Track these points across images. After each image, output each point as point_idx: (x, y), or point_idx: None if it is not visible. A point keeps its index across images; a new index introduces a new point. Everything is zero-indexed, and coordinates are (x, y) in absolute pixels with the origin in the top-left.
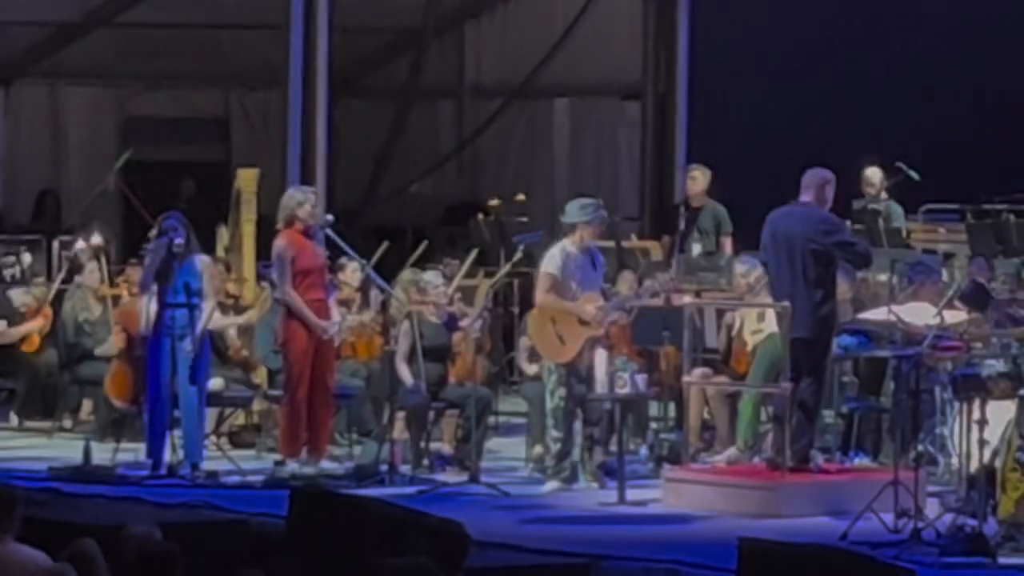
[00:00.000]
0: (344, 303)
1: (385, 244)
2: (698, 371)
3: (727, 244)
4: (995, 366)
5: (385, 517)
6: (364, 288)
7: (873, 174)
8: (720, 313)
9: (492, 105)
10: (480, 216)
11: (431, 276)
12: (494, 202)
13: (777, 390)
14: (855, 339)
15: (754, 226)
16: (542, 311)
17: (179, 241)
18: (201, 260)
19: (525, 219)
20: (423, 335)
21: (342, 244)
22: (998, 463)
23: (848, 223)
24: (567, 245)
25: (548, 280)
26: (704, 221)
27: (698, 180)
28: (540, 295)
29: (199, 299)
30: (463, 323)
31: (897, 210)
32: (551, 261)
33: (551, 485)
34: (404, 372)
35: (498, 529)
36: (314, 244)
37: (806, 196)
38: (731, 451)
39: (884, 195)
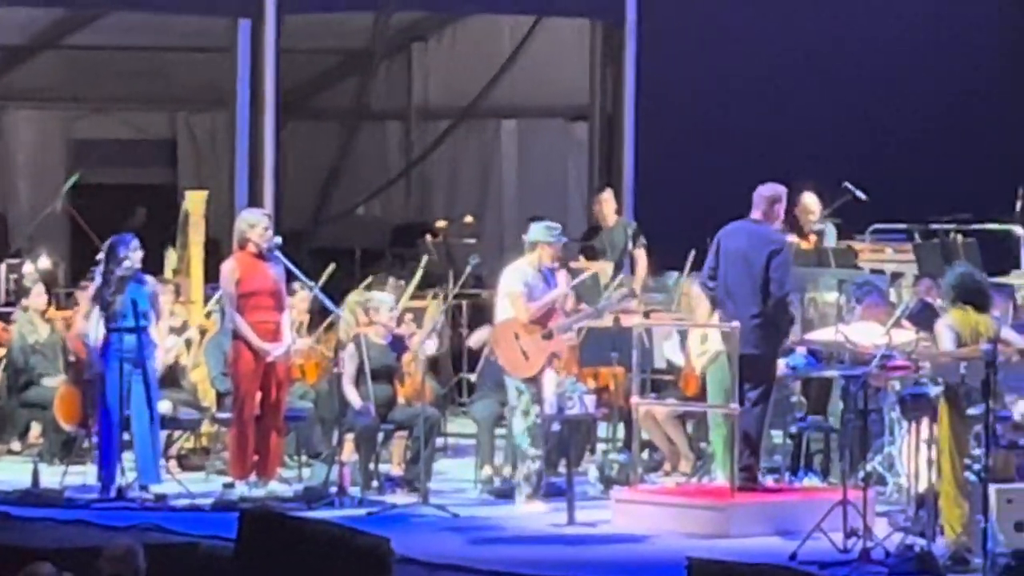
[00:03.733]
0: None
1: (332, 266)
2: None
3: (640, 257)
4: (941, 386)
5: (326, 538)
6: (313, 310)
7: (810, 200)
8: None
9: (440, 127)
10: (428, 237)
11: (383, 297)
12: (442, 224)
13: (727, 410)
14: (804, 359)
15: (699, 244)
16: (507, 326)
17: (127, 264)
18: (149, 282)
19: (473, 240)
20: (370, 356)
21: (290, 266)
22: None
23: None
24: (523, 264)
25: (519, 297)
26: (616, 237)
27: (608, 202)
28: (520, 309)
29: (147, 322)
30: (411, 343)
31: (830, 230)
32: (514, 279)
33: (528, 505)
34: (352, 394)
35: (448, 550)
36: (267, 266)
37: (756, 213)
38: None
39: (818, 221)
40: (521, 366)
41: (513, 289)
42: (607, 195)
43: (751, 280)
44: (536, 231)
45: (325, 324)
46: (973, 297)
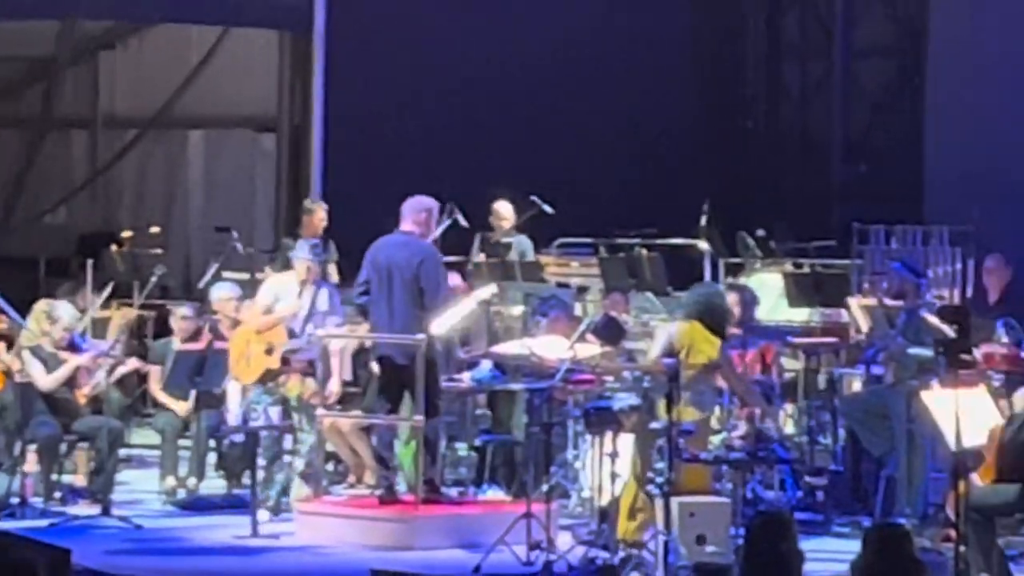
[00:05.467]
0: None
1: (110, 286)
2: None
3: (333, 271)
4: (627, 399)
5: (5, 549)
6: None
7: (503, 208)
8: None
9: (127, 135)
10: (113, 247)
11: (63, 307)
12: (127, 233)
13: (412, 422)
14: (489, 372)
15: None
16: (241, 332)
17: None
18: None
19: (159, 251)
20: (48, 367)
21: None
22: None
23: (482, 256)
24: (285, 278)
25: (256, 306)
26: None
27: (317, 212)
28: (252, 316)
29: None
30: (91, 353)
31: (524, 244)
32: (267, 289)
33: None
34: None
35: (130, 562)
36: None
37: (406, 225)
38: None
39: (511, 231)
40: (242, 371)
41: (259, 297)
42: (315, 205)
43: (406, 292)
44: (300, 248)
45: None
46: (710, 317)
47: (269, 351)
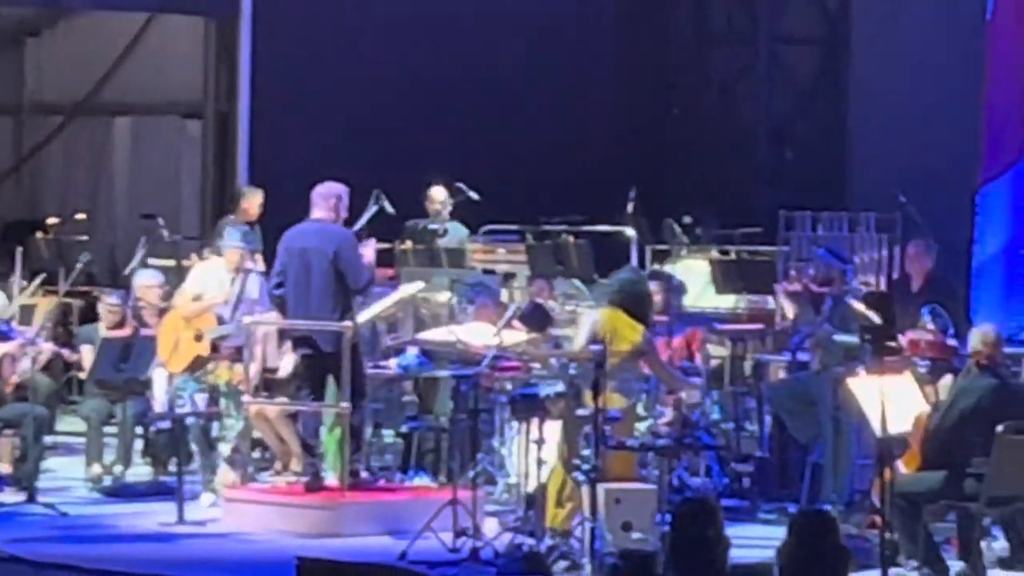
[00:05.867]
0: None
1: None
2: None
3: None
4: (553, 386)
5: None
6: None
7: (438, 192)
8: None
9: (53, 122)
10: (39, 234)
11: None
12: (53, 220)
13: (338, 409)
14: (415, 358)
15: None
16: (170, 319)
17: None
18: None
19: (85, 238)
20: None
21: None
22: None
23: (409, 243)
24: (216, 265)
25: (187, 293)
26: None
27: (254, 198)
28: (183, 303)
29: None
30: (19, 340)
31: (460, 231)
32: (198, 275)
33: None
34: None
35: (56, 549)
36: None
37: (319, 212)
38: None
39: (446, 216)
40: (172, 359)
41: (187, 285)
42: (248, 190)
43: (324, 278)
44: (229, 235)
45: None
46: (632, 304)
47: (199, 338)
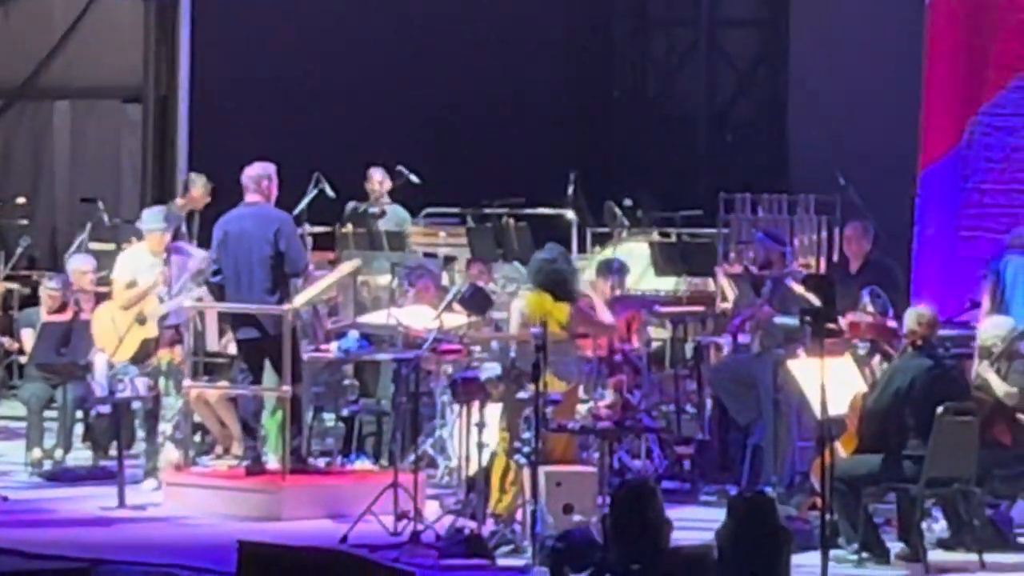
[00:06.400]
0: None
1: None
2: None
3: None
4: (494, 369)
5: None
6: None
7: (377, 173)
8: None
9: None
10: None
11: None
12: None
13: (279, 393)
14: (356, 342)
15: None
16: (104, 310)
17: None
18: None
19: (25, 222)
20: None
21: None
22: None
23: (349, 226)
24: (138, 250)
25: (119, 284)
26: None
27: (198, 185)
28: (117, 294)
29: None
30: None
31: (401, 213)
32: (123, 264)
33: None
34: None
35: None
36: None
37: (252, 196)
38: None
39: (386, 199)
40: (115, 350)
41: (117, 275)
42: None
43: (262, 262)
44: (148, 219)
45: None
46: (553, 284)
47: (142, 321)
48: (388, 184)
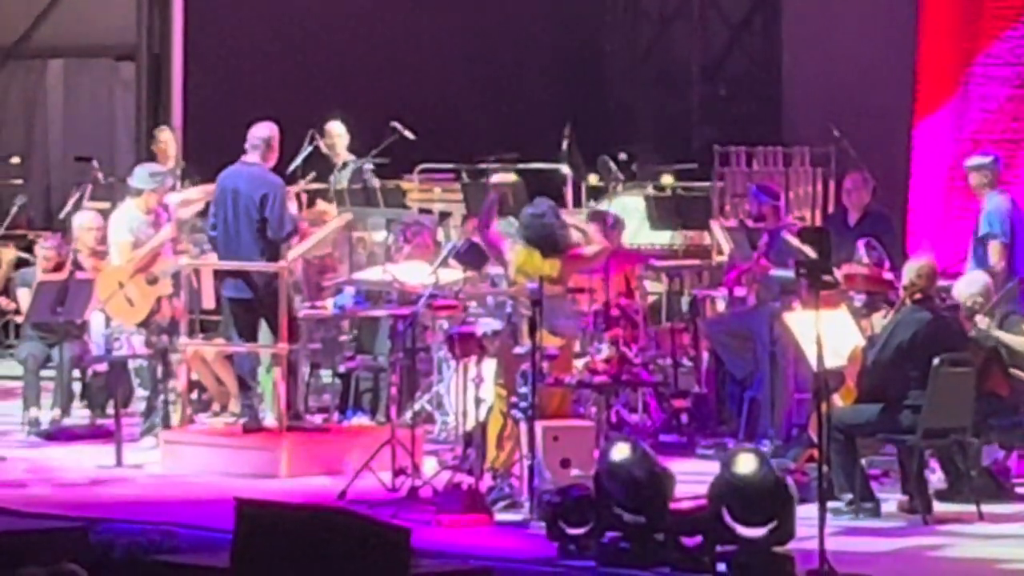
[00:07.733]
0: None
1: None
2: None
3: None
4: (491, 324)
5: None
6: None
7: (335, 127)
8: None
9: None
10: None
11: None
12: None
13: (276, 350)
14: (352, 298)
15: None
16: (110, 275)
17: None
18: None
19: (20, 181)
20: None
21: None
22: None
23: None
24: (131, 209)
25: (123, 245)
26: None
27: (168, 143)
28: (124, 257)
29: None
30: None
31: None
32: (119, 225)
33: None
34: None
35: None
36: None
37: (251, 155)
38: None
39: (343, 151)
40: (129, 313)
41: (117, 238)
42: (164, 134)
43: (250, 223)
44: (139, 177)
45: None
46: (540, 239)
47: (153, 281)
48: (346, 136)
